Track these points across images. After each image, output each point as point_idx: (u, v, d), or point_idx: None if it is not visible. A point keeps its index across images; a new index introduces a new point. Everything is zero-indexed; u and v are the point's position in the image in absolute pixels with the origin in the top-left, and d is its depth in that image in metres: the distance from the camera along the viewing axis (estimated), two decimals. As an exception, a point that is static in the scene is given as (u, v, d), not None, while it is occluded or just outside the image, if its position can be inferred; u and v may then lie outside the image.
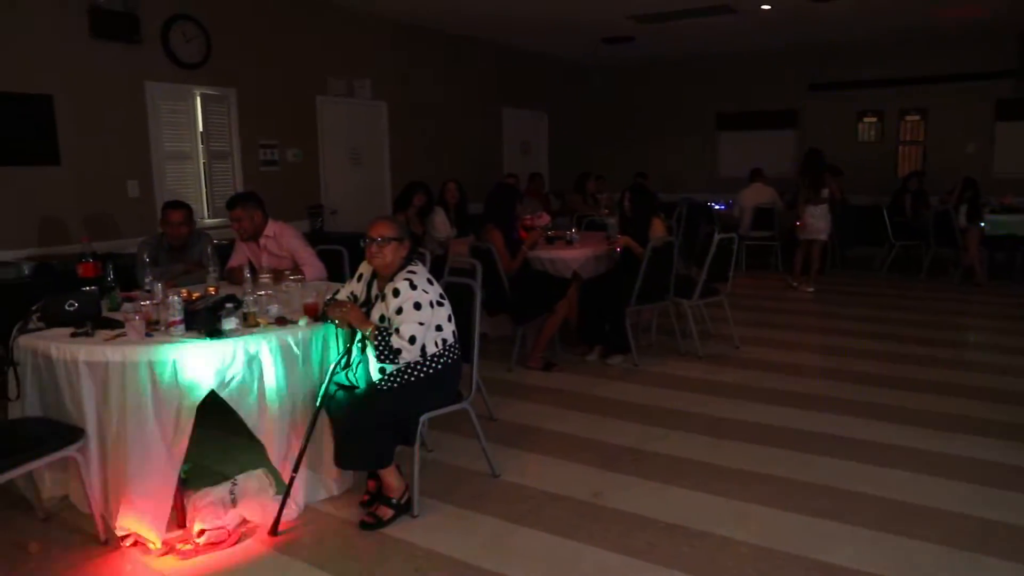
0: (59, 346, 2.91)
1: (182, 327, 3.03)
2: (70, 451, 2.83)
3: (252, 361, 3.00)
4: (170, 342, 2.92)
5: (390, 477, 3.13)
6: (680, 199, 9.81)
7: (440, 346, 3.14)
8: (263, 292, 3.48)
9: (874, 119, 10.83)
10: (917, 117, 10.60)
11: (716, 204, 10.28)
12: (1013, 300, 7.46)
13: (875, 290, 8.19)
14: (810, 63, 10.92)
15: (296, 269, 4.33)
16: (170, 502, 2.93)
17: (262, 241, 4.47)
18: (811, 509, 3.16)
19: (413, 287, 3.05)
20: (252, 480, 3.26)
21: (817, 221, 7.94)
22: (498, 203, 5.33)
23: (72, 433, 2.86)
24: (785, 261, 9.34)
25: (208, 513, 3.04)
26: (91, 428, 2.90)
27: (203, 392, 2.91)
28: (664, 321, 6.00)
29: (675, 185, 11.51)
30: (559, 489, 3.39)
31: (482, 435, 3.52)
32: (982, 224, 8.22)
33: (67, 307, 3.18)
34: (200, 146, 6.63)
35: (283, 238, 4.46)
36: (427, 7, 7.96)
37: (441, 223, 6.77)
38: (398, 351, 2.99)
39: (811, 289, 8.05)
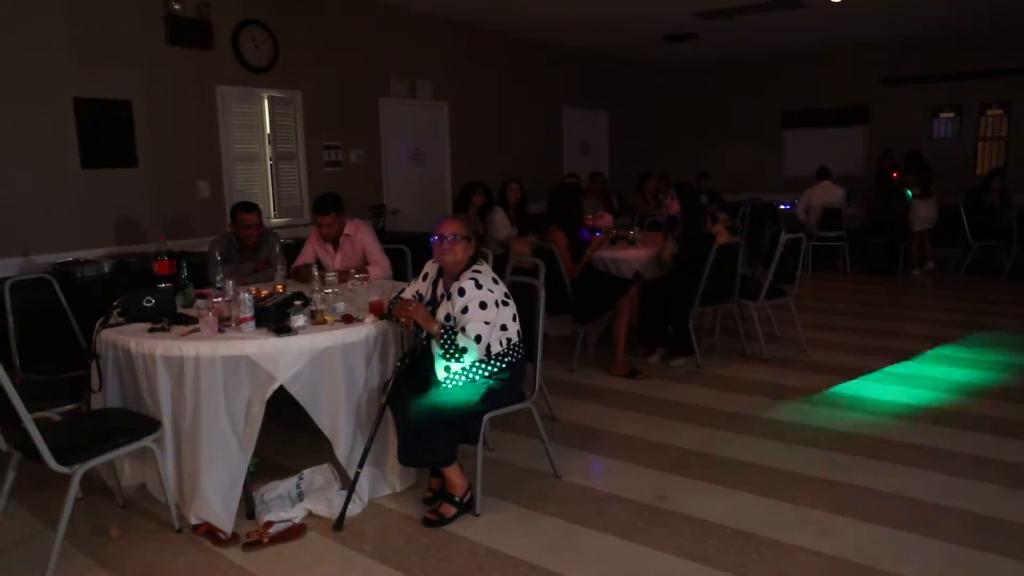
0: (138, 341, 3.02)
1: (252, 324, 3.10)
2: (147, 442, 2.92)
3: (319, 358, 3.05)
4: (241, 338, 2.99)
5: (453, 475, 3.14)
6: (744, 199, 9.60)
7: (504, 345, 3.14)
8: (330, 290, 3.54)
9: (951, 114, 10.38)
10: (1000, 111, 10.11)
11: (782, 204, 10.01)
12: (1103, 304, 7.06)
13: (952, 293, 7.85)
14: (882, 57, 10.55)
15: (361, 268, 4.39)
16: (239, 493, 3.01)
17: (341, 241, 4.55)
18: (887, 519, 3.04)
19: (479, 286, 3.05)
20: (318, 475, 3.32)
21: (928, 212, 8.74)
22: (562, 203, 5.28)
23: (149, 424, 2.96)
24: (855, 261, 9.06)
25: (276, 506, 3.11)
26: (167, 420, 3.00)
27: (272, 387, 2.97)
28: (728, 323, 5.88)
29: (740, 185, 11.28)
30: (622, 491, 3.35)
31: (545, 435, 3.50)
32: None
33: (145, 303, 3.29)
34: (267, 147, 6.80)
35: (359, 237, 4.53)
36: (486, 9, 7.98)
37: (501, 223, 6.79)
38: (464, 350, 3.00)
39: (931, 265, 8.93)
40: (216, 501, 2.96)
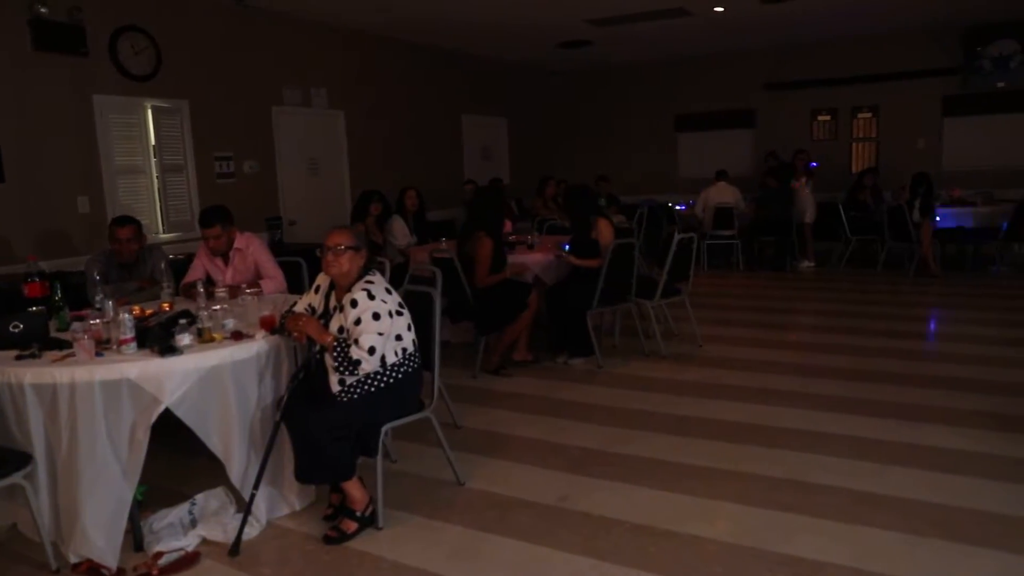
0: (3, 369, 2.81)
1: (134, 345, 2.95)
2: (16, 478, 2.73)
3: (207, 377, 2.93)
4: (121, 360, 2.84)
5: (353, 489, 3.08)
6: (642, 201, 9.88)
7: (400, 355, 3.10)
8: (218, 306, 3.41)
9: (828, 117, 11.03)
10: (869, 114, 10.82)
11: (677, 205, 10.36)
12: (965, 290, 7.65)
13: (834, 284, 8.33)
14: (765, 63, 11.09)
15: (254, 282, 4.25)
16: (124, 525, 2.85)
17: (231, 255, 4.39)
18: (777, 503, 3.18)
19: (371, 297, 3.01)
20: (212, 499, 3.19)
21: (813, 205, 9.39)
22: (489, 208, 5.21)
23: (18, 459, 2.76)
24: (747, 259, 9.48)
25: (166, 535, 2.97)
26: (39, 453, 2.81)
27: (157, 411, 2.83)
28: (628, 322, 6.02)
29: (637, 187, 11.59)
30: (526, 495, 3.37)
31: (446, 443, 3.48)
32: (935, 218, 8.42)
33: (11, 328, 3.08)
34: (153, 159, 6.50)
35: (250, 250, 4.38)
36: (381, 16, 7.91)
37: (400, 231, 6.73)
38: (358, 362, 2.95)
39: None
40: (98, 535, 2.79)
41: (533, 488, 3.44)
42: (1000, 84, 9.82)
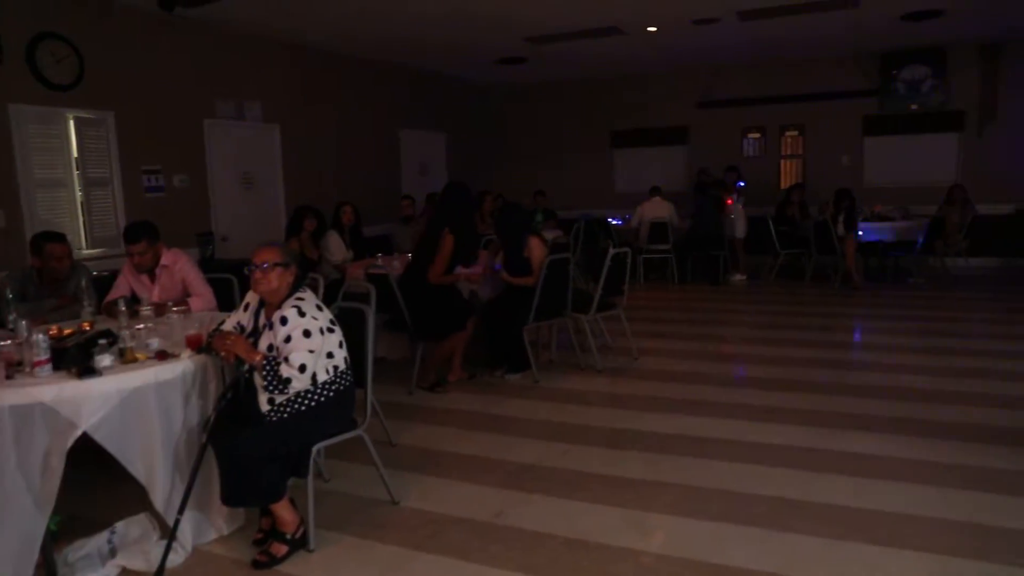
0: (-95, 395, 2.66)
1: (49, 367, 2.83)
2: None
3: (129, 399, 2.83)
4: (34, 384, 2.72)
5: (283, 511, 3.01)
6: (579, 215, 10.01)
7: (332, 373, 3.06)
8: (141, 325, 3.31)
9: (757, 135, 11.39)
10: (796, 133, 11.22)
11: (614, 219, 10.53)
12: (885, 301, 7.98)
13: (765, 297, 8.58)
14: (698, 82, 11.40)
15: (181, 300, 4.14)
16: (35, 558, 2.72)
17: (157, 272, 4.26)
18: (707, 513, 3.24)
19: (302, 314, 2.96)
20: (133, 527, 3.08)
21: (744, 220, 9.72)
22: (456, 205, 5.11)
23: (-78, 489, 2.62)
24: (682, 273, 9.67)
25: (83, 566, 2.85)
26: (-56, 483, 2.66)
27: (74, 435, 2.72)
28: (564, 336, 6.07)
29: (574, 202, 11.73)
30: (460, 511, 3.36)
31: (379, 462, 3.44)
32: (858, 232, 8.77)
33: (-85, 351, 2.91)
34: (75, 172, 6.27)
35: (178, 268, 4.26)
36: (318, 29, 7.85)
37: (336, 246, 6.65)
38: (288, 380, 2.89)
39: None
40: (6, 570, 2.66)
41: (468, 505, 3.42)
42: (913, 107, 10.35)
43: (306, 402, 2.99)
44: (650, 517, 3.24)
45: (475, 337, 5.42)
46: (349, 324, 3.40)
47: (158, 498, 2.94)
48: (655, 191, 10.03)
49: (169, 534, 2.90)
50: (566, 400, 4.93)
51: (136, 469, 2.90)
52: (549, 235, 8.13)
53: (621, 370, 5.60)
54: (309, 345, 2.93)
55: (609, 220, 10.23)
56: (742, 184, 10.01)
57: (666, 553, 2.93)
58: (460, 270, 5.18)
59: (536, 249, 5.34)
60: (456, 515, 3.33)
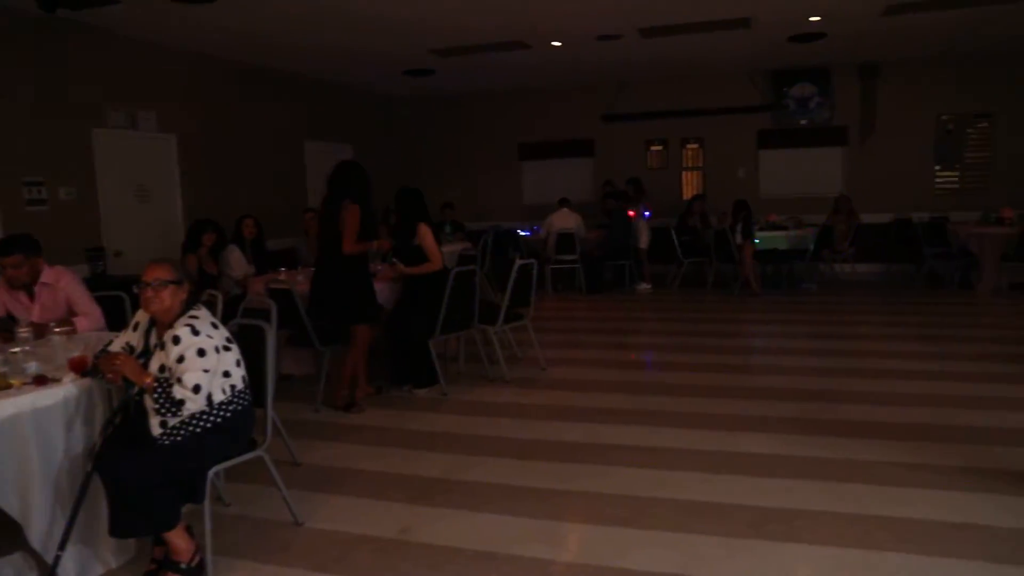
0: None
1: (-91, 396, 2.62)
2: None
3: (2, 429, 2.64)
4: None
5: (177, 540, 2.88)
6: (487, 227, 10.06)
7: (229, 393, 2.96)
8: (18, 348, 3.11)
9: (660, 147, 11.77)
10: (696, 145, 11.66)
11: (523, 231, 10.64)
12: (781, 306, 8.37)
13: (669, 305, 8.85)
14: (603, 96, 11.68)
15: (65, 320, 3.91)
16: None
17: (37, 289, 4.00)
18: (613, 519, 3.30)
19: (195, 333, 2.85)
20: (4, 568, 2.87)
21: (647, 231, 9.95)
22: (350, 178, 4.90)
23: None
24: (589, 283, 9.83)
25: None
26: None
27: (-61, 470, 2.52)
28: (472, 348, 6.07)
29: (483, 214, 11.79)
30: (367, 530, 3.30)
31: (281, 482, 3.35)
32: (755, 241, 9.18)
33: None
34: (-53, 186, 5.85)
35: (61, 285, 4.02)
36: (215, 36, 7.60)
37: (237, 261, 6.45)
38: (181, 402, 2.77)
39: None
40: None
41: (375, 523, 3.37)
42: (803, 122, 10.95)
43: (201, 424, 2.87)
44: (558, 526, 3.28)
45: (381, 351, 5.34)
46: (249, 341, 3.30)
47: (35, 534, 2.76)
48: (563, 203, 10.20)
49: (48, 572, 2.73)
50: (474, 412, 4.93)
51: (9, 504, 2.71)
52: (457, 247, 8.15)
53: (530, 380, 5.65)
54: (204, 364, 2.82)
55: (518, 231, 10.32)
56: (648, 215, 10.26)
57: (574, 561, 2.97)
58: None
59: (427, 236, 5.22)
60: (363, 534, 3.27)
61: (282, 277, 5.76)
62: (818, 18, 7.93)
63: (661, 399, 5.04)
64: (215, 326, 2.97)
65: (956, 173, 10.71)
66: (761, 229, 9.51)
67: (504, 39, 8.46)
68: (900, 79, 10.49)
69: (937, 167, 10.70)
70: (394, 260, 5.36)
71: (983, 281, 8.77)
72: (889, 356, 5.93)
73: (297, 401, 5.16)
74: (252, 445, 3.15)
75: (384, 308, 5.38)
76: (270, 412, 3.33)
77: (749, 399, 4.95)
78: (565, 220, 9.95)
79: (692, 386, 5.31)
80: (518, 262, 5.56)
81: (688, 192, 11.44)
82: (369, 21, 7.28)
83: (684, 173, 11.76)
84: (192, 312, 2.94)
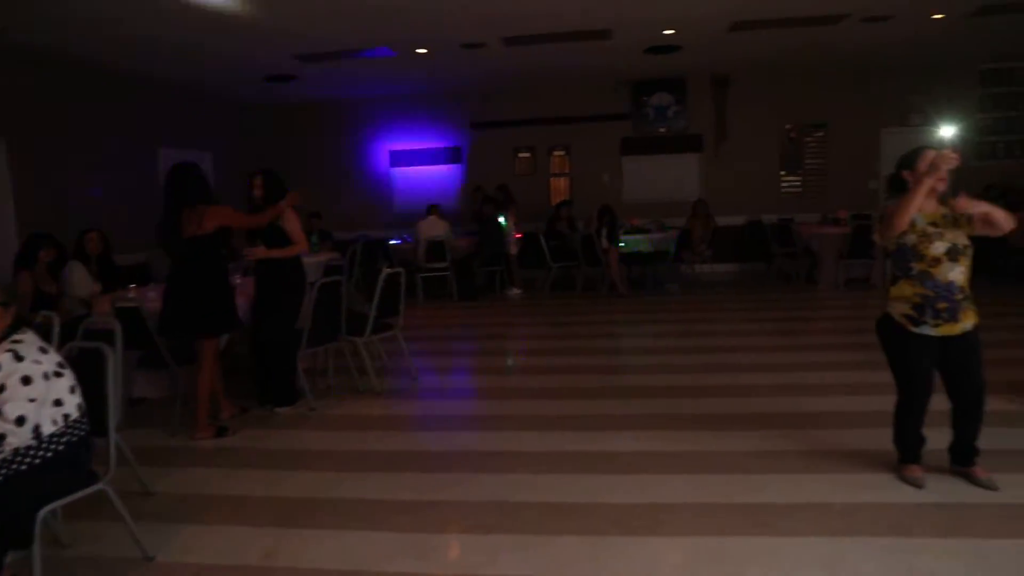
0: None
1: None
2: None
3: None
4: None
5: (1, 590, 2.61)
6: (356, 236, 9.87)
7: (61, 423, 2.72)
8: None
9: (528, 154, 11.98)
10: (563, 152, 11.96)
11: (394, 239, 10.51)
12: (646, 307, 8.72)
13: (539, 309, 9.00)
14: (470, 103, 11.77)
15: None
16: None
17: None
18: (482, 526, 3.30)
19: (19, 359, 2.61)
20: None
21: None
22: (185, 183, 4.56)
23: None
24: (461, 290, 9.85)
25: None
26: None
27: None
28: (341, 361, 5.91)
29: (352, 223, 11.56)
30: (227, 559, 3.13)
31: (127, 515, 3.11)
32: (620, 244, 9.51)
33: None
34: None
35: None
36: (54, 32, 7.02)
37: (80, 279, 5.97)
38: (2, 436, 2.53)
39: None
40: None
41: (235, 550, 3.20)
42: (661, 129, 11.49)
43: (28, 460, 2.62)
44: (427, 538, 3.24)
45: (245, 368, 5.10)
46: (89, 365, 3.06)
47: None
48: (432, 210, 10.16)
49: None
50: (343, 427, 4.81)
51: None
52: (323, 258, 7.94)
53: (401, 391, 5.57)
54: (29, 393, 2.58)
55: (388, 240, 10.19)
56: (518, 237, 10.40)
57: (444, 572, 2.94)
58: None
59: (293, 219, 5.00)
60: (223, 563, 3.10)
61: (131, 294, 5.39)
62: (672, 31, 8.34)
63: (530, 403, 5.10)
64: (43, 351, 2.73)
65: (799, 178, 11.57)
66: (626, 233, 9.86)
67: (368, 45, 8.34)
68: (748, 90, 11.21)
69: (783, 172, 11.52)
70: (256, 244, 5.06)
71: (824, 277, 9.50)
72: (745, 350, 6.30)
73: (152, 427, 4.84)
74: (92, 478, 2.91)
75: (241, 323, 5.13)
76: (113, 440, 3.09)
77: (615, 398, 5.10)
78: (434, 228, 9.91)
79: (561, 388, 5.42)
80: (385, 272, 5.48)
81: (556, 198, 11.70)
82: (226, 21, 6.97)
83: (552, 179, 12.03)
84: (15, 336, 2.69)
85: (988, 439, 3.56)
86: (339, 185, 12.21)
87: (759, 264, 10.86)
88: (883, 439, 3.70)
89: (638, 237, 9.89)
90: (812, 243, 9.65)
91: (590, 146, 11.73)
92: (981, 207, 3.25)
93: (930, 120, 10.92)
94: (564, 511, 3.42)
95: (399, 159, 12.21)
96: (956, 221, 3.33)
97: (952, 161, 3.23)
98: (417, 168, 12.16)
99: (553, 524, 3.28)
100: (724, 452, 4.05)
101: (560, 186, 12.02)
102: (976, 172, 10.68)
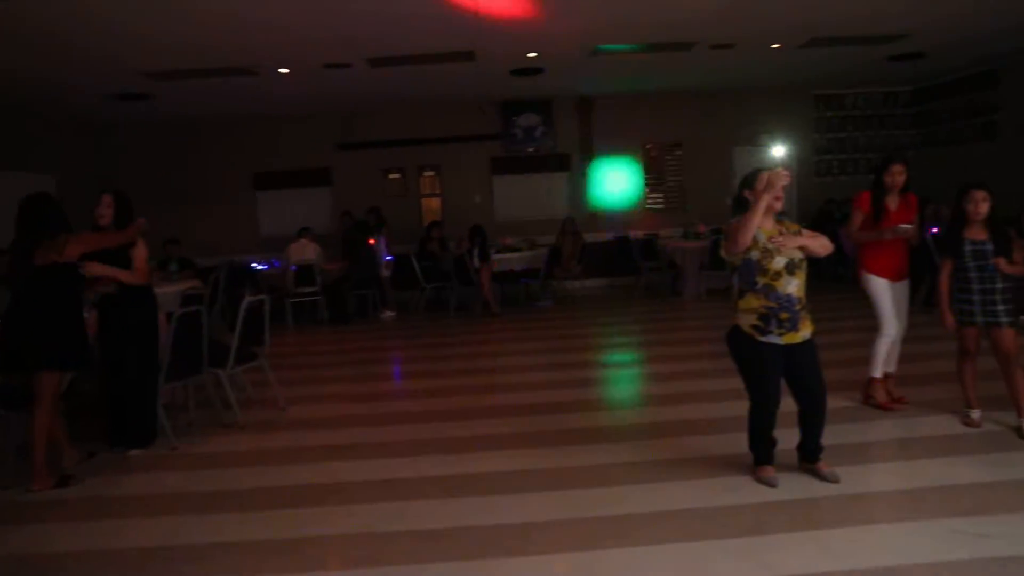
0: None
1: None
2: None
3: None
4: None
5: None
6: (220, 262, 9.44)
7: None
8: None
9: (398, 175, 11.92)
10: (433, 173, 11.99)
11: (261, 264, 10.13)
12: (520, 325, 8.84)
13: (413, 331, 8.92)
14: (338, 124, 11.57)
15: None
16: None
17: None
18: (352, 560, 3.22)
19: None
20: None
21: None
22: (45, 215, 4.27)
23: None
24: (332, 315, 9.60)
25: None
26: None
27: None
28: (204, 394, 5.59)
29: (215, 248, 11.05)
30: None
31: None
32: (493, 263, 9.60)
33: None
34: None
35: None
36: None
37: None
38: None
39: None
40: None
41: (76, 611, 2.94)
42: (530, 149, 11.76)
43: None
44: (292, 578, 3.11)
45: (92, 408, 4.73)
46: None
47: None
48: (303, 233, 9.89)
49: None
50: (203, 465, 4.54)
51: None
52: (182, 286, 7.53)
53: (267, 423, 5.34)
54: None
55: (254, 265, 9.81)
56: (390, 259, 10.28)
57: (308, 613, 2.83)
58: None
59: (142, 249, 4.77)
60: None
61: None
62: (535, 54, 8.56)
63: (401, 428, 5.03)
64: None
65: (661, 195, 12.14)
66: (497, 252, 9.97)
67: (226, 64, 8.03)
68: (611, 111, 11.67)
69: (647, 190, 12.04)
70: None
71: (687, 289, 9.99)
72: (616, 364, 6.50)
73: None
74: None
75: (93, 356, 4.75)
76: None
77: (487, 418, 5.12)
78: (304, 251, 9.64)
79: (433, 411, 5.37)
80: (247, 299, 5.26)
81: (428, 218, 11.68)
82: (60, 41, 6.51)
83: (423, 200, 12.01)
84: None
85: (830, 435, 3.84)
86: (201, 209, 11.64)
87: (628, 278, 11.28)
88: (741, 443, 3.90)
89: (510, 255, 10.02)
90: (675, 256, 10.14)
91: (461, 166, 11.81)
92: (798, 242, 3.57)
93: (774, 140, 11.77)
94: (435, 537, 3.38)
95: (265, 181, 11.81)
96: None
97: (784, 178, 3.51)
98: (284, 191, 11.80)
99: (425, 552, 3.24)
100: (591, 466, 4.14)
101: (432, 206, 12.02)
102: (816, 188, 11.62)
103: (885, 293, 4.75)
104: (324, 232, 11.08)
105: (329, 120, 11.54)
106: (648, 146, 11.97)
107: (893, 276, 4.76)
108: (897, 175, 4.69)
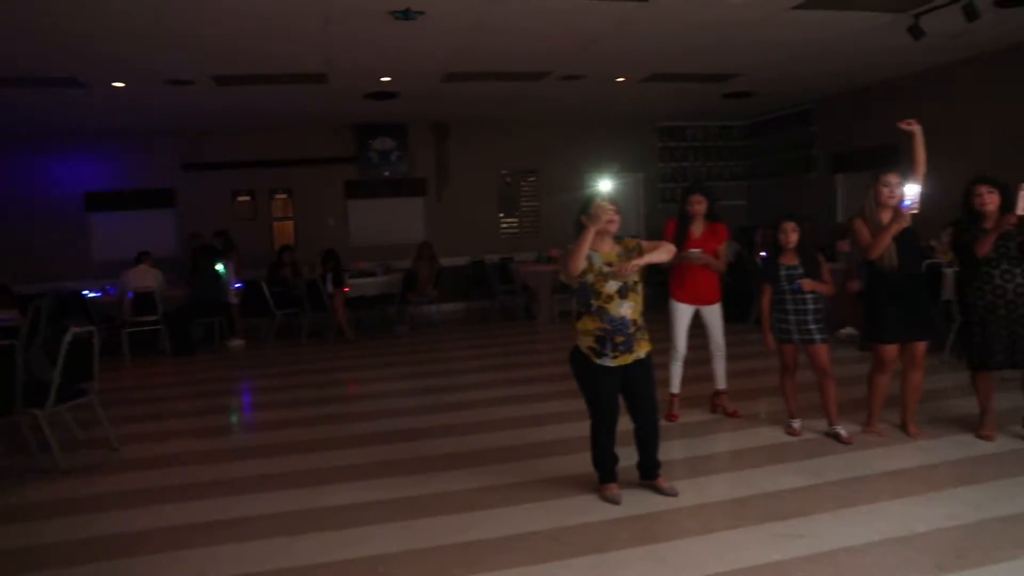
0: None
1: None
2: None
3: None
4: None
5: None
6: (45, 290, 8.65)
7: None
8: None
9: (248, 198, 11.47)
10: (285, 196, 11.63)
11: (92, 292, 9.38)
12: (375, 351, 8.71)
13: (264, 360, 8.57)
14: (183, 144, 10.98)
15: None
16: None
17: None
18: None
19: None
20: None
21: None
22: None
23: None
24: (175, 345, 9.03)
25: None
26: None
27: None
28: (18, 438, 5.06)
29: (41, 274, 10.11)
30: None
31: None
32: (345, 288, 9.41)
33: None
34: None
35: None
36: None
37: None
38: None
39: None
40: None
41: None
42: (386, 173, 11.69)
43: None
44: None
45: None
46: None
47: None
48: (141, 258, 9.24)
49: None
50: (20, 518, 4.07)
51: None
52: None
53: (96, 466, 4.91)
54: None
55: (85, 293, 9.07)
56: (239, 286, 9.79)
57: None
58: None
59: None
60: None
61: None
62: (388, 79, 8.54)
63: (247, 463, 4.80)
64: None
65: (516, 220, 12.42)
66: (352, 276, 9.79)
67: (50, 74, 7.43)
68: (466, 137, 11.82)
69: (501, 215, 12.29)
70: None
71: (541, 312, 10.24)
72: (471, 387, 6.54)
73: None
74: None
75: None
76: None
77: (339, 449, 4.99)
78: (143, 277, 9.00)
79: (282, 444, 5.16)
80: (72, 331, 4.84)
81: (280, 242, 11.30)
82: None
83: (275, 223, 11.62)
84: None
85: (670, 450, 4.06)
86: (22, 231, 10.61)
87: (484, 302, 11.39)
88: (587, 463, 4.03)
89: (365, 280, 9.87)
90: (529, 280, 10.37)
91: (314, 189, 11.53)
92: (640, 263, 3.75)
93: (622, 168, 12.36)
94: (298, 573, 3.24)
95: (98, 202, 10.98)
96: (630, 258, 3.78)
97: (607, 211, 3.69)
98: (121, 213, 11.02)
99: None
100: (443, 493, 4.13)
101: (285, 230, 11.64)
102: (660, 213, 12.31)
103: (680, 317, 5.13)
104: (169, 255, 10.44)
105: (175, 139, 10.93)
106: (504, 172, 12.22)
107: (692, 300, 5.13)
108: (695, 204, 5.10)
